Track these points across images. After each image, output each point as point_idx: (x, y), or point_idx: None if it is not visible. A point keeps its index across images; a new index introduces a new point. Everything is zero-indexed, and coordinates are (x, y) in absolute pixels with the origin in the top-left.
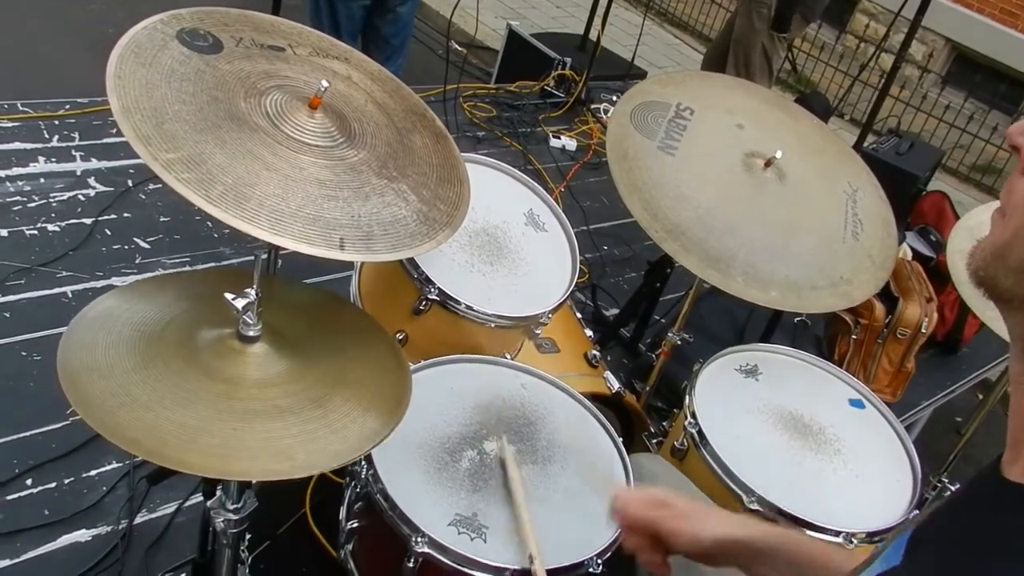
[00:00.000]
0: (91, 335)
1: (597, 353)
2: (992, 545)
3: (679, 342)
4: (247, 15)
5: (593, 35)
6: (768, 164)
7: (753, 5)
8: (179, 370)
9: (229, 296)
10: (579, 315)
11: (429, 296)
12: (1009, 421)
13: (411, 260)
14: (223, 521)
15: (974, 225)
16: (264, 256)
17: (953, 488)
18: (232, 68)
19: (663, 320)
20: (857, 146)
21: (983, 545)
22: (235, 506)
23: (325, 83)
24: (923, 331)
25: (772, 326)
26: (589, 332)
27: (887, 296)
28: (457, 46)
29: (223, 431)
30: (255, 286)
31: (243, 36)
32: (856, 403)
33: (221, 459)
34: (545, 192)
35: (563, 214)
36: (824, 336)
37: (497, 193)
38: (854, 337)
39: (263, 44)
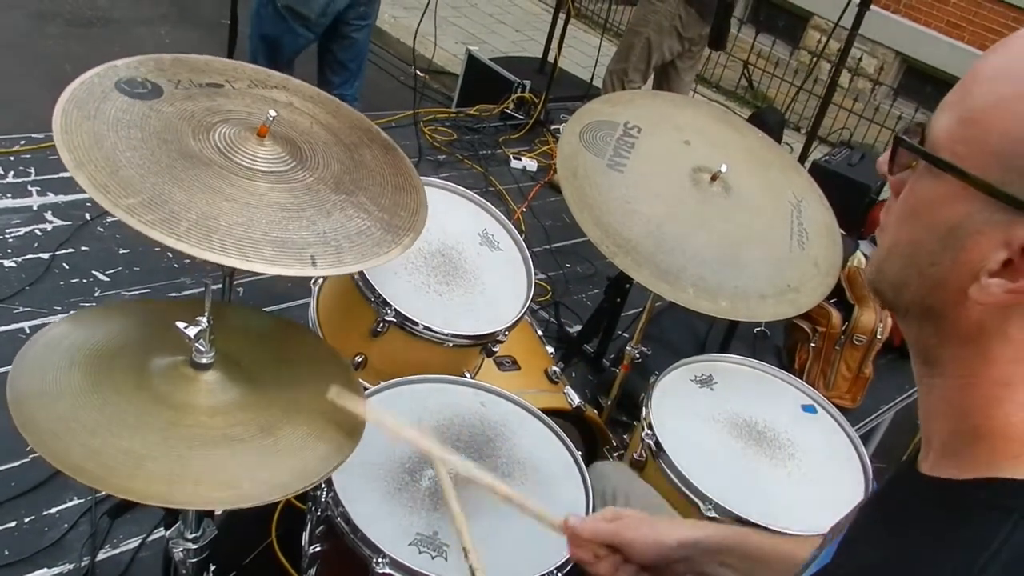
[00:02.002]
0: (42, 360)
1: (558, 369)
2: (908, 538)
3: (637, 355)
4: (180, 58)
5: (551, 58)
6: (714, 178)
7: None
8: (129, 396)
9: (181, 324)
10: (540, 332)
11: (386, 318)
12: (920, 421)
13: (367, 282)
14: (182, 551)
15: None
16: (215, 286)
17: None
18: (175, 109)
19: (626, 334)
20: (803, 156)
21: (901, 539)
22: (193, 535)
23: (273, 112)
24: (879, 337)
25: (729, 337)
26: (550, 349)
27: (843, 304)
28: (418, 72)
29: (169, 458)
30: (206, 313)
31: (180, 78)
32: (808, 408)
33: (165, 486)
34: (499, 212)
35: (517, 233)
36: (784, 345)
37: (451, 214)
38: (812, 345)
39: (201, 83)
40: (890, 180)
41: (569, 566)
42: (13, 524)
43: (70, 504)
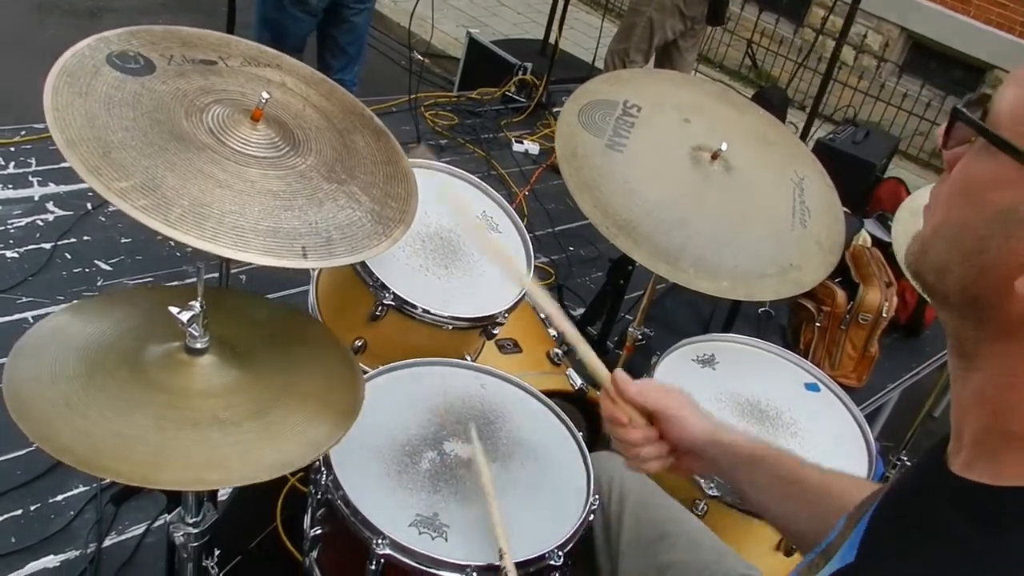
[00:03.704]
0: (38, 349)
1: (560, 351)
2: (938, 545)
3: (640, 337)
4: (172, 30)
5: (553, 39)
6: (715, 157)
7: None
8: (123, 381)
9: (174, 309)
10: (542, 315)
11: (385, 301)
12: (951, 412)
13: (366, 267)
14: (183, 535)
15: (916, 207)
16: (211, 274)
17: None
18: (168, 88)
19: (630, 316)
20: (804, 134)
21: (930, 545)
22: (194, 519)
23: (265, 95)
24: (884, 316)
25: (732, 317)
26: (553, 331)
27: (848, 283)
28: (419, 55)
29: (159, 440)
30: (199, 298)
31: (173, 53)
32: (811, 386)
33: (153, 467)
34: (498, 194)
35: (516, 215)
36: (788, 325)
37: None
38: (818, 325)
39: (194, 59)
40: (945, 154)
41: (570, 546)
42: (19, 512)
43: (75, 492)
